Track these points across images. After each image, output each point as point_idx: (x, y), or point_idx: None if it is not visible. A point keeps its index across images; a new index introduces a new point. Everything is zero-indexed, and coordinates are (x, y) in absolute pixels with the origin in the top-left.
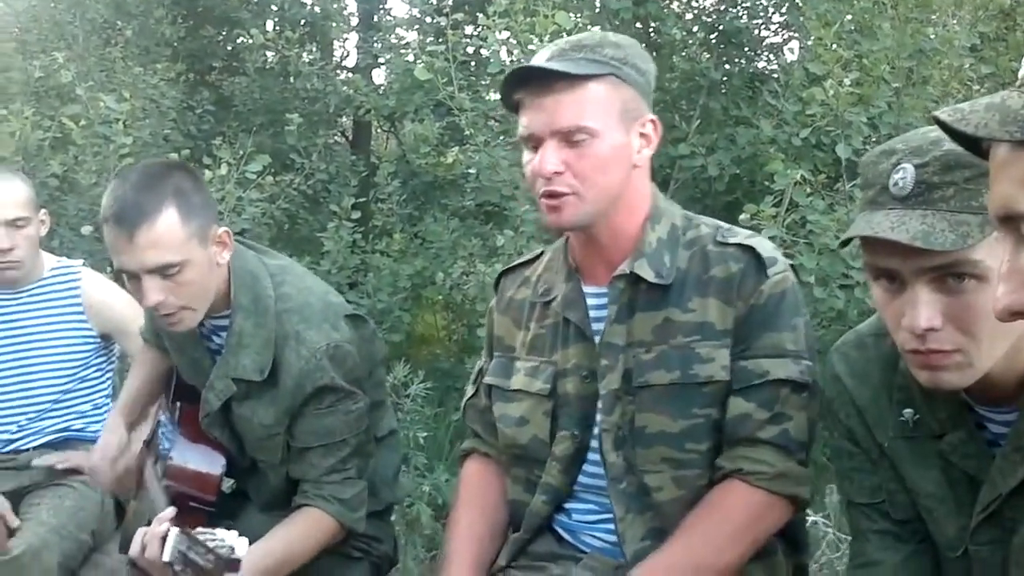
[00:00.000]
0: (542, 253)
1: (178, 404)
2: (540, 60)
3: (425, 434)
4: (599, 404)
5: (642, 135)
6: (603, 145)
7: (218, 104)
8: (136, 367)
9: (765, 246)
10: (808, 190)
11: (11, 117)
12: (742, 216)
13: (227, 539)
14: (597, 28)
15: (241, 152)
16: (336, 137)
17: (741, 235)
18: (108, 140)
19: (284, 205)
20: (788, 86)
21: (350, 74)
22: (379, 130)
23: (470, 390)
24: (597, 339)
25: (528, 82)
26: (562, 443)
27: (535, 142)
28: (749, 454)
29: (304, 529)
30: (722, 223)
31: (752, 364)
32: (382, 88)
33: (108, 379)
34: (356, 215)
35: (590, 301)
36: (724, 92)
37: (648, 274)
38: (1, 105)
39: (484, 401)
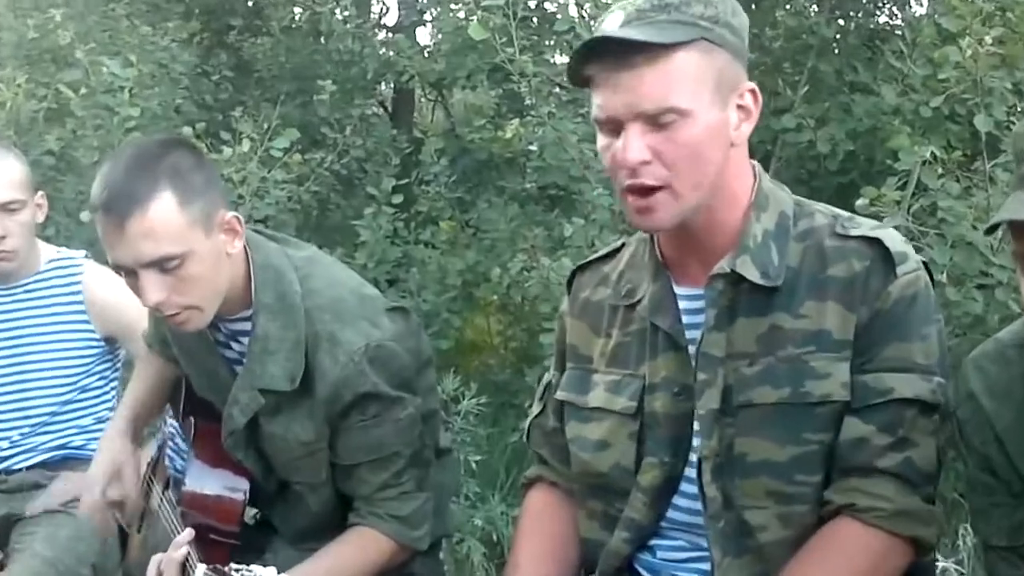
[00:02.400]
0: (623, 246)
1: (192, 420)
2: (614, 26)
3: (478, 458)
4: (696, 426)
5: (740, 107)
6: (697, 126)
7: (238, 69)
8: (139, 373)
9: (894, 239)
10: (940, 170)
11: (1, 85)
12: (859, 202)
13: None
14: None
15: (265, 126)
16: (374, 108)
17: (865, 226)
18: (111, 111)
19: (314, 188)
20: (916, 45)
21: (391, 34)
22: (424, 99)
23: (536, 408)
24: (692, 349)
25: (601, 55)
26: (649, 471)
27: (614, 125)
28: (865, 487)
29: (356, 550)
30: (840, 211)
31: (874, 379)
32: (428, 50)
33: (112, 389)
34: (397, 199)
35: (683, 304)
36: (837, 52)
37: (752, 273)
38: None
39: (552, 421)
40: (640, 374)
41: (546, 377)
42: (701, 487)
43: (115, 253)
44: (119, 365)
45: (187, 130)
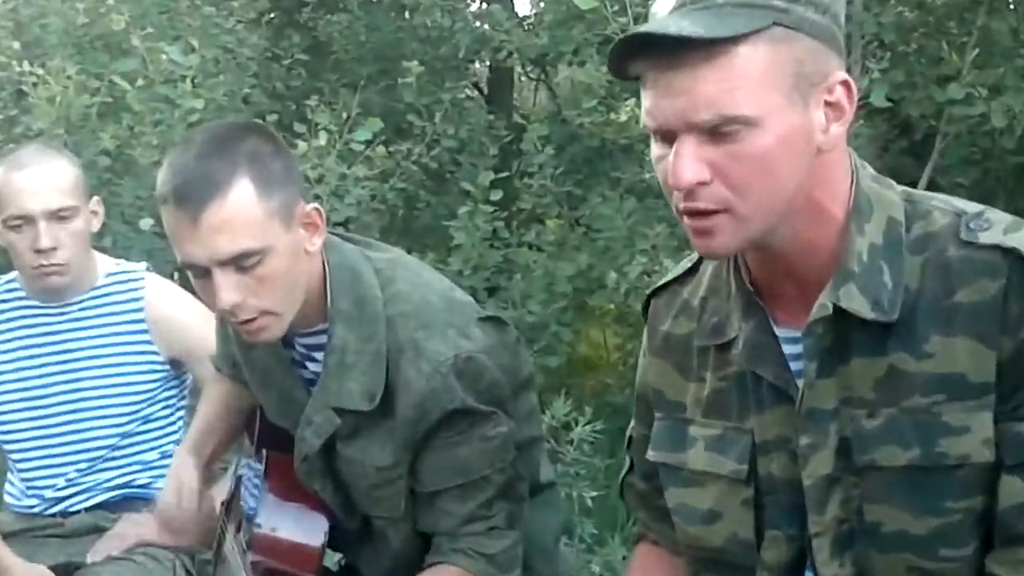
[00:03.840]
0: (700, 260)
1: (264, 452)
2: (664, 10)
3: (594, 494)
4: (807, 502)
5: (829, 105)
6: (767, 136)
7: (312, 52)
8: (207, 396)
9: None
10: None
11: (49, 77)
12: None
13: None
14: None
15: (344, 115)
16: (468, 91)
17: (997, 227)
18: (172, 104)
19: (400, 184)
20: None
21: (485, 5)
22: (525, 79)
23: (627, 463)
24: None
25: (648, 50)
26: (774, 547)
27: (667, 134)
28: None
29: None
30: (967, 205)
31: None
32: (528, 22)
33: (179, 419)
34: (496, 196)
35: (787, 349)
36: (1013, 8)
37: (861, 307)
38: (36, 63)
39: (642, 484)
40: (747, 428)
41: (629, 429)
42: (814, 567)
43: (186, 249)
44: (186, 392)
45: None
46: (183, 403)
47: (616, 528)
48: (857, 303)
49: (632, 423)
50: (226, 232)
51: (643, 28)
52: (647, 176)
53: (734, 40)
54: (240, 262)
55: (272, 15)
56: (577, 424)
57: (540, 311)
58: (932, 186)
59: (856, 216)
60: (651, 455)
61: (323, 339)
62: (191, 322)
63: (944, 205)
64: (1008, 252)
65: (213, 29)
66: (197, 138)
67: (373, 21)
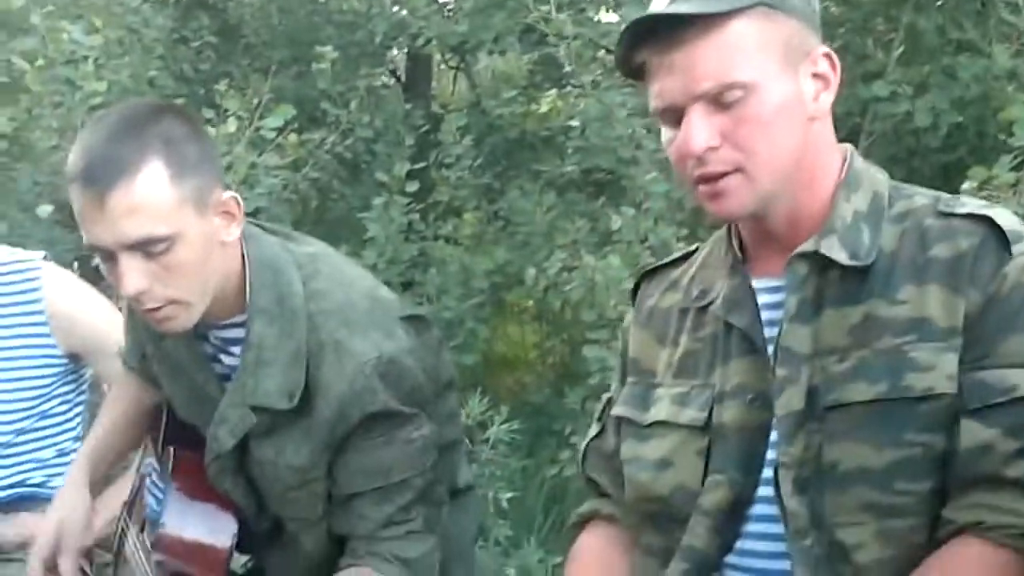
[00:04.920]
0: (696, 249)
1: (171, 450)
2: (661, 6)
3: (510, 495)
4: (774, 434)
5: (816, 76)
6: (766, 100)
7: (222, 35)
8: (112, 399)
9: (1008, 217)
10: None
11: None
12: (966, 184)
13: None
14: None
15: (255, 101)
16: (384, 78)
17: (972, 204)
18: (73, 85)
19: (313, 174)
20: None
21: None
22: (444, 67)
23: (594, 428)
24: (771, 349)
25: (649, 37)
26: (715, 491)
27: (675, 114)
28: (991, 500)
29: None
30: (944, 194)
31: (993, 376)
32: (448, 9)
33: (77, 415)
34: (412, 187)
35: (763, 299)
36: (939, 5)
37: (839, 254)
38: None
39: (613, 441)
40: (711, 383)
41: (606, 395)
42: (780, 500)
43: (93, 231)
44: (84, 387)
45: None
46: (81, 398)
47: (532, 530)
48: (836, 252)
49: (613, 386)
50: (134, 216)
51: (646, 15)
52: (568, 169)
53: (727, 15)
54: (147, 248)
55: None
56: (493, 423)
57: (456, 307)
58: None
59: (845, 187)
60: (616, 410)
61: (240, 333)
62: (92, 315)
63: (925, 192)
64: (982, 218)
65: (117, 8)
66: (110, 117)
67: (286, 4)
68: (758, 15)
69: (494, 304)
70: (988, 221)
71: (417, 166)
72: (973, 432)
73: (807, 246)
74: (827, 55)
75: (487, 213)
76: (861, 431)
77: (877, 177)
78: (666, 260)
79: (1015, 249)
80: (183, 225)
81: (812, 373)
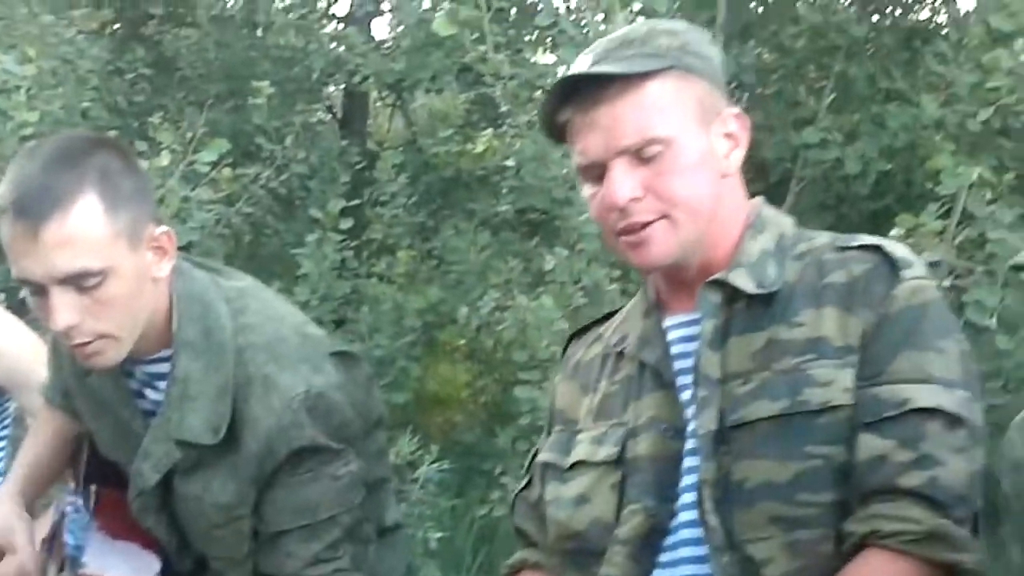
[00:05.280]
0: (619, 309)
1: (92, 487)
2: (583, 68)
3: (439, 535)
4: (687, 461)
5: (727, 136)
6: (684, 153)
7: (157, 67)
8: (35, 432)
9: (897, 246)
10: (989, 195)
11: None
12: (894, 231)
13: None
14: None
15: (189, 135)
16: (320, 114)
17: (866, 238)
18: (5, 116)
19: (246, 209)
20: (962, 47)
21: (341, 26)
22: (381, 105)
23: (524, 481)
24: (681, 380)
25: (573, 96)
26: (631, 520)
27: (598, 170)
28: (887, 510)
29: None
30: (842, 235)
31: (887, 391)
32: (386, 46)
33: (2, 451)
34: (346, 224)
35: (673, 335)
36: (870, 54)
37: (747, 284)
38: None
39: (538, 489)
40: (625, 421)
41: (536, 447)
42: (703, 516)
43: (22, 264)
44: (7, 421)
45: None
46: (5, 432)
47: (461, 571)
48: (743, 281)
49: (542, 439)
50: (66, 249)
51: (571, 74)
52: (502, 209)
53: (645, 76)
54: (79, 281)
55: (116, 26)
56: (423, 462)
57: (388, 345)
58: None
59: (752, 229)
60: (541, 457)
61: (165, 367)
62: (17, 348)
63: (827, 234)
64: (874, 247)
65: (52, 39)
66: (44, 148)
67: (223, 38)
68: (673, 76)
69: (426, 343)
70: (879, 250)
71: (352, 203)
72: (869, 444)
73: (717, 276)
74: (738, 116)
75: (421, 251)
76: (765, 447)
77: (783, 221)
78: (595, 320)
79: (904, 273)
80: (116, 259)
81: (722, 397)
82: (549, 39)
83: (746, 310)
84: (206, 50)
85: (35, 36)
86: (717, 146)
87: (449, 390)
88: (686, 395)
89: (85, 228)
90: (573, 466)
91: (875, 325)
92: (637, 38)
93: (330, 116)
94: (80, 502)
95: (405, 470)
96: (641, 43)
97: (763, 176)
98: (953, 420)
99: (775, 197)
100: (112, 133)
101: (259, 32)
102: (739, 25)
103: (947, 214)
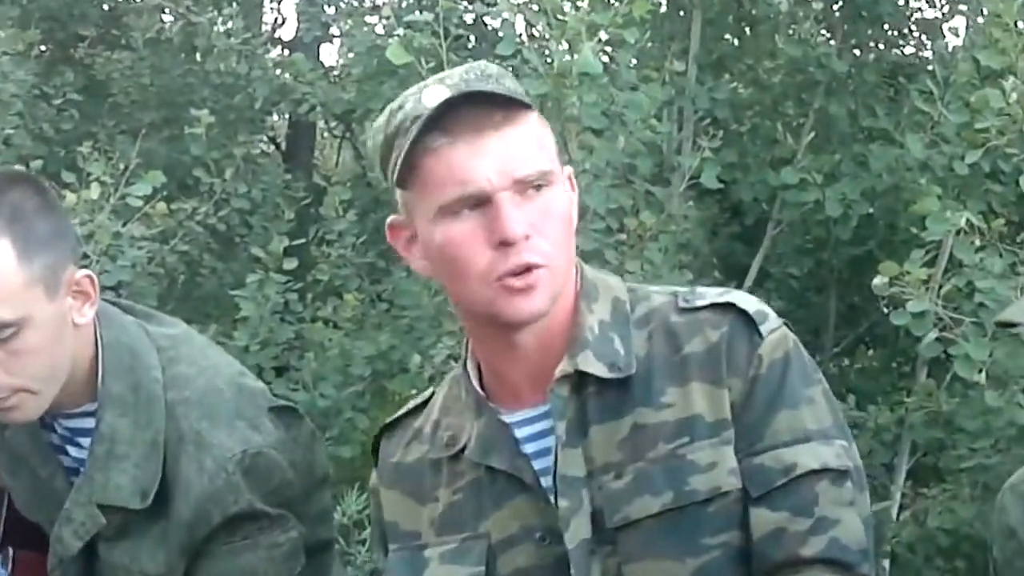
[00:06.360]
0: (432, 396)
1: (9, 550)
2: (436, 99)
3: None
4: (572, 569)
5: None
6: (560, 195)
7: (88, 92)
8: None
9: (747, 300)
10: (977, 242)
11: None
12: (876, 280)
13: None
14: None
15: (121, 166)
16: (263, 146)
17: (709, 294)
18: None
19: (182, 246)
20: (949, 84)
21: (286, 51)
22: (328, 136)
23: None
24: (546, 481)
25: (453, 122)
26: None
27: (474, 202)
28: None
29: None
30: (679, 288)
31: (770, 458)
32: (335, 73)
33: None
34: (290, 264)
35: (521, 432)
36: (852, 91)
37: (598, 368)
38: None
39: None
40: (483, 533)
41: (369, 565)
42: None
43: None
44: None
45: (19, 169)
46: None
47: None
48: (593, 366)
49: (373, 556)
50: None
51: (456, 93)
52: None
53: (526, 105)
54: None
55: (43, 48)
56: (371, 523)
57: (334, 394)
58: (762, 275)
59: (584, 298)
60: None
61: (90, 423)
62: None
63: (661, 290)
64: (724, 306)
65: None
66: None
67: (159, 62)
68: (537, 115)
69: (375, 393)
70: (732, 308)
71: (296, 242)
72: (764, 519)
73: (564, 367)
74: (569, 176)
75: (370, 294)
76: (657, 546)
77: (610, 283)
78: (402, 412)
79: (763, 328)
80: (32, 308)
81: (592, 495)
82: (510, 69)
83: (598, 395)
84: (141, 75)
85: None
86: (572, 200)
87: None
88: (554, 496)
89: None
90: None
91: (745, 391)
92: (493, 74)
93: (273, 148)
94: None
95: (351, 530)
96: (496, 80)
97: (739, 218)
98: (838, 475)
99: (751, 240)
100: (36, 163)
101: (198, 56)
102: (713, 57)
103: (933, 261)
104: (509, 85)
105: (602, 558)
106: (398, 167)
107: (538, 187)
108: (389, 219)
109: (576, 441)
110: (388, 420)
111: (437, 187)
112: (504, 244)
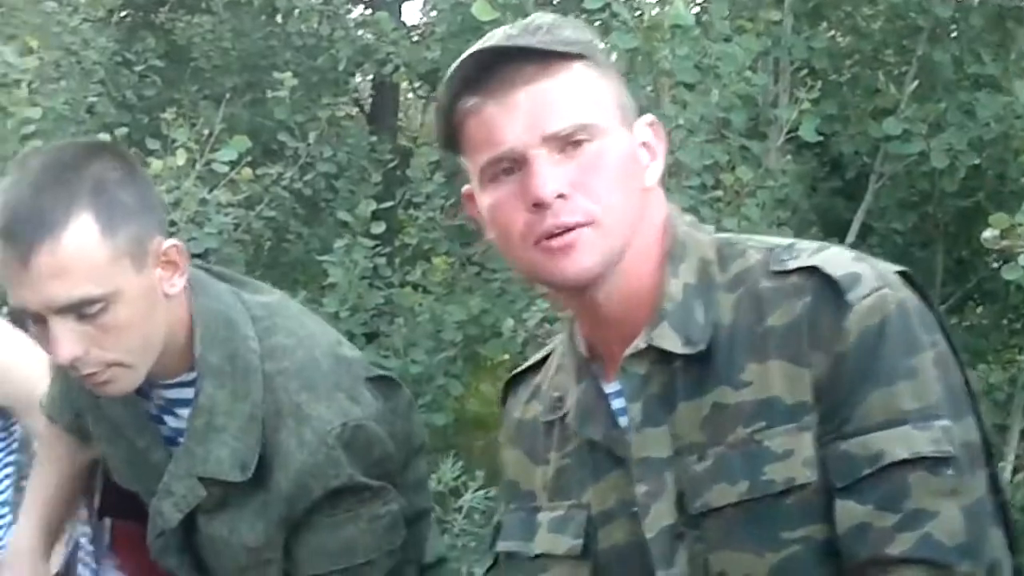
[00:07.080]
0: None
1: (108, 521)
2: (491, 42)
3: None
4: (653, 558)
5: (643, 144)
6: (614, 148)
7: (170, 58)
8: (43, 461)
9: (837, 260)
10: None
11: None
12: (986, 233)
13: None
14: None
15: (205, 132)
16: (347, 108)
17: (804, 253)
18: (5, 112)
19: (268, 212)
20: None
21: (369, 11)
22: (413, 97)
23: (488, 559)
24: None
25: (486, 78)
26: None
27: (505, 166)
28: None
29: None
30: (782, 240)
31: (857, 445)
32: (418, 33)
33: (7, 477)
34: (378, 228)
35: (617, 404)
36: (956, 37)
37: (673, 343)
38: None
39: None
40: (585, 503)
41: (496, 515)
42: None
43: (18, 293)
44: (15, 445)
45: (103, 137)
46: (11, 458)
47: None
48: (669, 341)
49: (500, 509)
50: (62, 278)
51: (478, 48)
52: None
53: (567, 56)
54: (80, 310)
55: (124, 14)
56: (467, 490)
57: (425, 361)
58: (864, 231)
59: (671, 259)
60: (500, 545)
61: (188, 393)
62: (24, 366)
63: (759, 243)
64: (810, 270)
65: (55, 28)
66: (34, 163)
67: (240, 25)
68: (590, 65)
69: (467, 358)
70: (817, 272)
71: (383, 205)
72: (848, 512)
73: (639, 343)
74: (652, 124)
75: (460, 258)
76: (737, 537)
77: (701, 239)
78: (527, 364)
79: (851, 296)
80: (119, 282)
81: (678, 476)
82: (599, 23)
83: (685, 369)
84: (222, 39)
85: (37, 25)
86: (639, 155)
87: (493, 410)
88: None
89: (80, 253)
90: (537, 557)
91: (830, 369)
92: (544, 25)
93: (358, 110)
94: (95, 536)
95: (447, 499)
96: (548, 31)
97: (839, 172)
98: (935, 462)
99: (852, 195)
100: (121, 131)
101: (279, 19)
102: (810, 5)
103: None
104: (564, 35)
105: (690, 543)
106: (441, 131)
107: (578, 142)
108: (463, 189)
109: (661, 419)
110: (514, 372)
111: (475, 150)
112: (537, 206)
